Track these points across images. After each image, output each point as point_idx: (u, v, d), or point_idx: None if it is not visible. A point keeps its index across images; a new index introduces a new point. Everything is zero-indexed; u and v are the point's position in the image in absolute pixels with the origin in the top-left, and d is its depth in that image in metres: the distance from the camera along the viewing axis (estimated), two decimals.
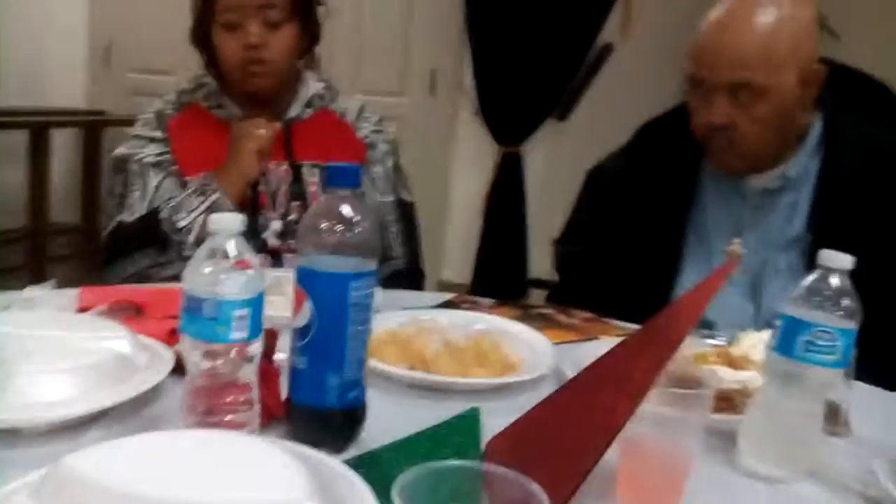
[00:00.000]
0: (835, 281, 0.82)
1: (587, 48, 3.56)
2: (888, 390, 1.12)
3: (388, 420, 0.87)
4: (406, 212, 1.66)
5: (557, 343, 1.16)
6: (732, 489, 0.83)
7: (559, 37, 3.44)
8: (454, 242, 3.93)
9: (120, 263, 1.46)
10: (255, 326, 0.76)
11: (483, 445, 0.83)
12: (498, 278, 3.65)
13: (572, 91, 3.67)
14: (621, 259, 1.49)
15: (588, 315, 1.37)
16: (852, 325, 0.81)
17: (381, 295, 1.26)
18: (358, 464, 0.72)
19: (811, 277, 0.83)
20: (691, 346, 1.10)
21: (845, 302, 0.81)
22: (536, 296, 2.39)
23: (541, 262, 3.17)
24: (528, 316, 1.33)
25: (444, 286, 3.91)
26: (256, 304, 0.76)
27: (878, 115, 1.39)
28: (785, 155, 1.38)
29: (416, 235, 1.70)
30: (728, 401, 0.96)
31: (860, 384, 1.06)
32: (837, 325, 0.80)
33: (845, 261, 0.82)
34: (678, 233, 1.46)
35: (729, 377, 0.97)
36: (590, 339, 1.23)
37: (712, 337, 1.17)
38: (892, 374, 1.20)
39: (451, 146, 3.88)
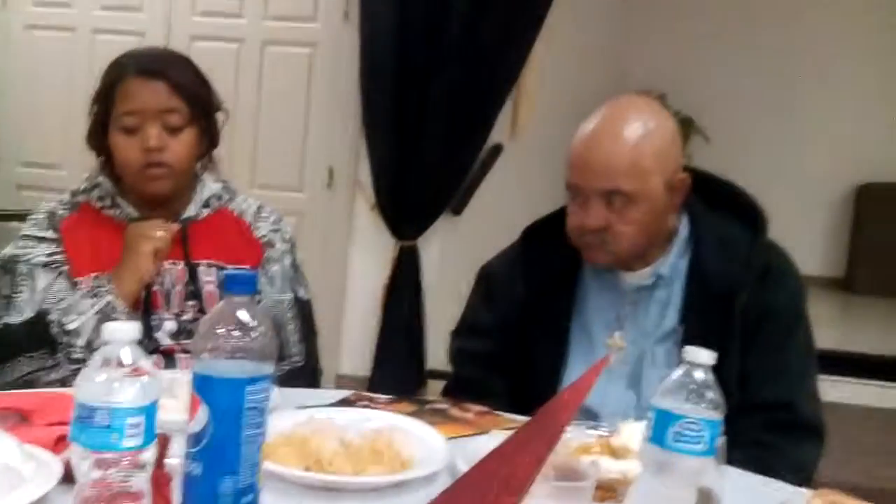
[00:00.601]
0: (699, 375, 0.89)
1: (479, 147, 3.73)
2: (756, 473, 1.20)
3: None
4: (303, 309, 1.68)
5: (451, 438, 1.20)
6: None
7: (452, 136, 3.59)
8: (352, 336, 3.94)
9: (6, 368, 1.41)
10: (149, 433, 0.77)
11: None
12: (397, 371, 3.67)
13: (466, 188, 3.81)
14: (512, 354, 1.55)
15: (481, 409, 1.41)
16: (717, 416, 0.89)
17: (277, 394, 1.28)
18: None
19: (678, 372, 0.90)
20: (575, 438, 1.15)
21: (709, 395, 0.89)
22: (435, 386, 2.42)
23: (439, 353, 3.22)
24: (423, 412, 1.36)
25: (342, 380, 3.88)
26: (151, 410, 0.77)
27: (736, 215, 1.52)
28: (656, 254, 1.49)
29: (313, 333, 1.72)
30: (610, 490, 1.01)
31: (731, 468, 1.14)
32: (703, 417, 0.87)
33: (708, 357, 0.89)
34: (563, 327, 1.54)
35: (610, 467, 1.03)
36: (482, 433, 1.27)
37: (595, 427, 1.23)
38: (758, 458, 1.30)
39: (349, 240, 3.93)
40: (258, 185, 3.95)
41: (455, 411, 1.40)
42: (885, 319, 5.19)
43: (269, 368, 0.82)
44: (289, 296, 1.65)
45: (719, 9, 6.02)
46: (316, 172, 3.94)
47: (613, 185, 1.39)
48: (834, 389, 3.71)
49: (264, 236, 1.65)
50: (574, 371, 1.54)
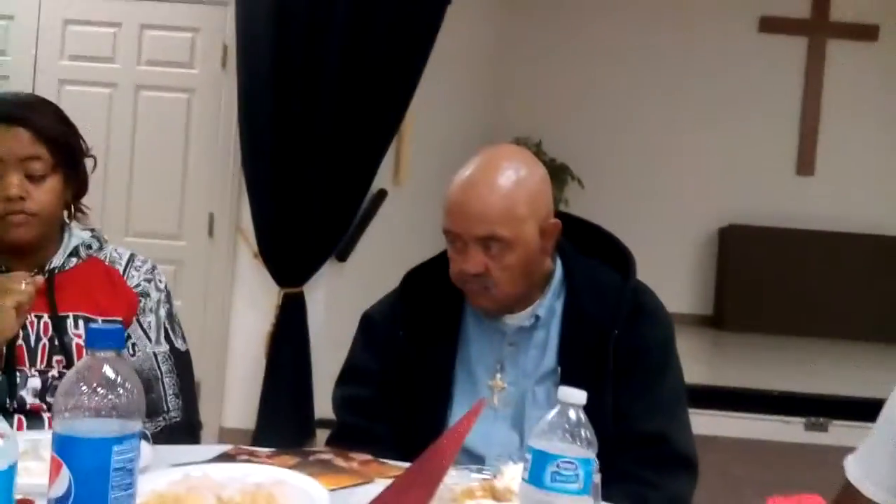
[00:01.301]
0: (572, 414, 0.92)
1: (363, 194, 3.74)
2: None
3: None
4: (180, 361, 1.63)
5: (333, 489, 1.18)
6: None
7: (335, 183, 3.60)
8: (236, 387, 3.83)
9: None
10: (7, 499, 0.72)
11: None
12: (284, 422, 3.58)
13: (351, 234, 3.81)
14: (395, 399, 1.55)
15: (366, 457, 1.40)
16: (591, 455, 0.91)
17: (150, 451, 1.22)
18: None
19: (552, 412, 0.93)
20: (460, 482, 1.16)
21: (583, 433, 0.91)
22: (324, 436, 2.38)
23: (327, 402, 3.16)
24: (306, 463, 1.33)
25: (226, 434, 3.75)
26: (8, 475, 0.73)
27: (605, 258, 1.59)
28: (533, 296, 1.53)
29: (191, 386, 1.66)
30: None
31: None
32: (578, 455, 0.90)
33: (580, 397, 0.92)
34: (447, 371, 1.55)
35: None
36: (367, 483, 1.25)
37: (479, 471, 1.24)
38: (635, 493, 1.34)
39: (232, 289, 3.85)
40: (134, 234, 3.83)
41: (339, 461, 1.37)
42: (751, 354, 5.49)
43: (136, 426, 0.79)
44: (164, 347, 1.59)
45: (593, 59, 6.34)
46: (196, 220, 3.85)
47: (490, 231, 1.42)
48: (705, 423, 3.89)
49: (138, 286, 1.59)
50: (459, 414, 1.54)
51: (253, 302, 3.80)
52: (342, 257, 3.85)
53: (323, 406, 3.52)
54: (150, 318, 1.59)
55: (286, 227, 3.59)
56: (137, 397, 0.80)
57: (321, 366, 3.64)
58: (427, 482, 0.77)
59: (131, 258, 1.62)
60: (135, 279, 1.59)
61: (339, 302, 3.78)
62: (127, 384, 0.79)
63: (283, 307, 3.67)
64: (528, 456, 0.92)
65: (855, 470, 1.17)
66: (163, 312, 1.61)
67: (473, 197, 1.44)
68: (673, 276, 5.84)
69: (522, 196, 1.44)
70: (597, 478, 1.05)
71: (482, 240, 1.43)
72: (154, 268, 1.63)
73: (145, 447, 1.22)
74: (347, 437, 1.55)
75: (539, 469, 0.90)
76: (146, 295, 1.59)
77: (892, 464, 1.12)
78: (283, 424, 3.52)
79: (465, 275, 1.46)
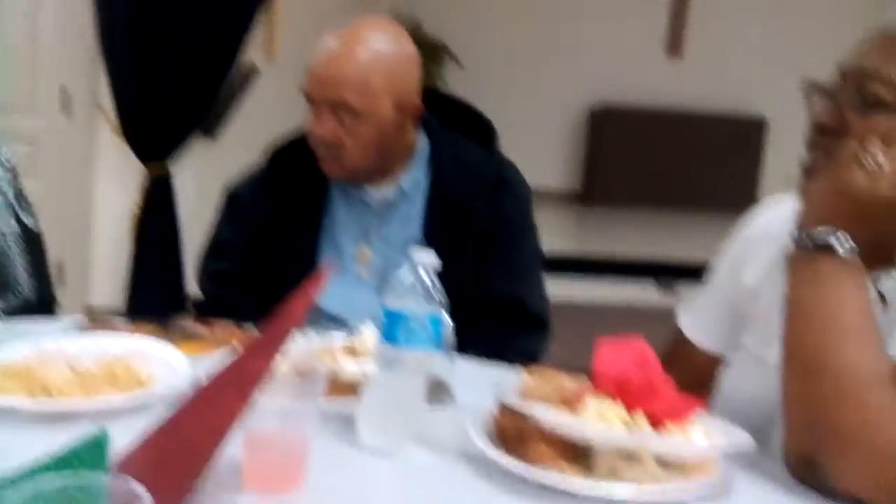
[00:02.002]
0: (423, 275, 0.96)
1: (228, 67, 3.58)
2: (489, 362, 1.32)
3: (10, 455, 0.84)
4: (31, 239, 1.56)
5: (193, 356, 1.19)
6: (353, 464, 0.93)
7: (197, 56, 3.42)
8: (102, 268, 3.71)
9: None
10: None
11: (112, 465, 0.84)
12: (154, 301, 3.52)
13: (219, 110, 3.67)
14: (259, 273, 1.56)
15: (226, 324, 1.41)
16: (440, 312, 0.96)
17: (0, 327, 1.20)
18: None
19: (404, 274, 0.96)
20: (320, 343, 1.20)
21: (434, 293, 0.96)
22: None
23: None
24: (165, 332, 1.33)
25: (93, 314, 3.66)
26: None
27: (469, 133, 1.62)
28: (396, 168, 1.55)
29: (43, 263, 1.60)
30: (352, 388, 1.07)
31: (462, 360, 1.24)
32: (428, 313, 0.94)
33: (431, 257, 0.96)
34: (312, 243, 1.57)
35: (350, 367, 1.08)
36: (226, 348, 1.27)
37: (340, 332, 1.28)
38: (490, 349, 1.42)
39: (92, 166, 3.66)
40: None
41: (199, 329, 1.38)
42: (614, 227, 5.77)
43: None
44: (14, 227, 1.52)
45: None
46: (49, 95, 3.59)
47: (339, 97, 1.43)
48: (571, 290, 4.12)
49: None
50: (325, 285, 1.57)
51: (116, 181, 3.64)
52: (213, 135, 3.72)
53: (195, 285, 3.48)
54: None
55: (147, 104, 3.41)
56: None
57: (194, 246, 3.57)
58: (275, 341, 0.79)
59: None
60: None
61: (210, 182, 3.66)
62: None
63: (150, 186, 3.54)
64: (383, 316, 0.96)
65: (685, 319, 1.29)
66: (10, 192, 1.53)
67: (331, 63, 1.43)
68: (545, 153, 5.98)
69: (380, 70, 1.44)
70: (448, 334, 1.11)
71: (333, 106, 1.44)
72: None
73: None
74: (212, 310, 1.55)
75: (392, 327, 0.94)
76: None
77: (716, 313, 1.24)
78: (153, 304, 3.46)
79: (316, 138, 1.47)
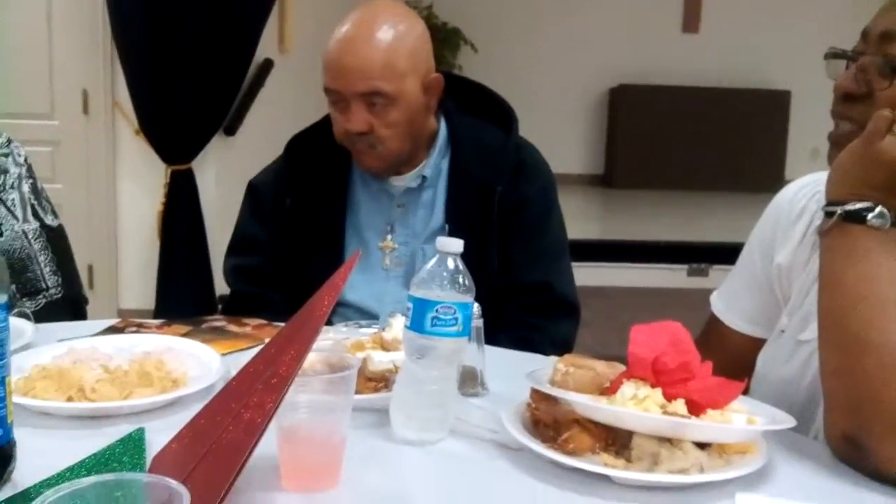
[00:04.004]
0: (450, 263, 0.95)
1: (246, 63, 3.59)
2: (521, 351, 1.31)
3: (47, 457, 0.85)
4: (53, 237, 1.57)
5: (226, 353, 1.19)
6: (388, 456, 0.93)
7: (214, 53, 3.43)
8: (131, 268, 3.75)
9: None
10: None
11: (149, 463, 0.84)
12: (184, 300, 3.55)
13: (237, 106, 3.68)
14: (285, 266, 1.55)
15: (259, 322, 1.41)
16: (468, 299, 0.95)
17: (32, 329, 1.20)
18: None
19: (431, 262, 0.95)
20: (351, 337, 1.19)
21: (461, 280, 0.95)
22: None
23: None
24: (197, 331, 1.34)
25: (125, 315, 3.70)
26: None
27: (488, 116, 1.60)
28: (419, 157, 1.54)
29: (68, 260, 1.61)
30: (384, 380, 1.06)
31: (494, 348, 1.23)
32: (456, 300, 0.93)
33: (457, 245, 0.95)
34: (337, 235, 1.56)
35: (381, 358, 1.08)
36: (259, 346, 1.27)
37: (370, 326, 1.28)
38: (521, 338, 1.41)
39: (115, 168, 3.69)
40: (1, 115, 3.57)
41: (232, 327, 1.39)
42: (639, 209, 5.72)
43: (1, 298, 0.77)
44: (34, 225, 1.53)
45: None
46: (69, 98, 3.62)
47: (371, 87, 1.41)
48: (597, 275, 4.09)
49: None
50: (352, 277, 1.55)
51: (139, 181, 3.67)
52: (230, 131, 3.73)
53: (223, 281, 3.50)
54: (12, 195, 1.51)
55: (166, 102, 3.43)
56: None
57: (217, 242, 3.59)
58: (306, 333, 0.79)
59: None
60: None
61: (230, 177, 3.69)
62: None
63: (172, 185, 3.56)
64: (410, 304, 0.95)
65: (719, 303, 1.26)
66: (26, 188, 1.54)
67: (352, 53, 1.41)
68: (565, 138, 5.94)
69: (402, 50, 1.42)
70: (478, 322, 1.10)
71: (364, 96, 1.42)
72: (10, 141, 1.54)
73: (26, 325, 1.20)
74: (241, 305, 1.56)
75: (420, 316, 0.93)
76: (4, 171, 1.51)
77: (750, 295, 1.22)
78: (183, 302, 3.49)
79: (350, 134, 1.45)
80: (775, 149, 5.98)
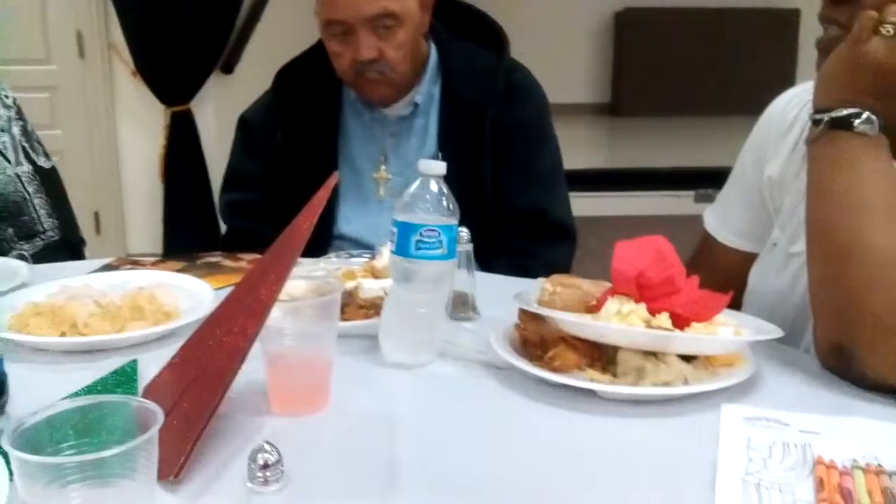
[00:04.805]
0: (433, 186, 0.94)
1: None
2: (516, 276, 1.31)
3: (42, 391, 0.86)
4: (47, 179, 1.56)
5: (220, 288, 1.19)
6: (377, 380, 0.93)
7: None
8: (136, 212, 3.76)
9: None
10: None
11: (141, 392, 0.86)
12: (190, 240, 3.57)
13: (234, 43, 3.62)
14: (280, 200, 1.55)
15: (255, 256, 1.41)
16: (453, 222, 0.94)
17: (27, 269, 1.21)
18: None
19: (414, 185, 0.94)
20: (342, 266, 1.20)
21: (444, 202, 0.94)
22: None
23: None
24: (192, 267, 1.34)
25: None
26: None
27: (479, 39, 1.57)
28: (412, 83, 1.51)
29: (64, 202, 1.61)
30: (374, 307, 1.07)
31: (488, 275, 1.23)
32: (439, 223, 0.92)
33: (439, 167, 0.94)
34: (330, 167, 1.55)
35: (371, 286, 1.08)
36: None
37: (360, 255, 1.28)
38: (516, 263, 1.41)
39: (114, 112, 3.67)
40: None
41: (227, 262, 1.39)
42: (645, 137, 5.64)
43: None
44: (27, 167, 1.53)
45: None
46: (63, 41, 3.58)
47: (381, 8, 1.38)
48: (604, 204, 4.07)
49: None
50: (347, 209, 1.57)
51: (138, 124, 3.65)
52: (228, 69, 3.68)
53: None
54: (3, 138, 1.50)
55: (161, 41, 3.38)
56: None
57: (220, 181, 3.58)
58: (282, 263, 0.79)
59: None
60: None
61: (229, 116, 3.64)
62: None
63: (172, 127, 3.54)
64: (394, 229, 0.94)
65: (711, 219, 1.25)
66: (16, 130, 1.53)
67: None
68: (570, 66, 5.82)
69: None
70: (467, 247, 1.10)
71: (372, 20, 1.39)
72: None
73: (21, 265, 1.21)
74: (236, 240, 1.56)
75: (404, 239, 0.93)
76: None
77: (742, 209, 1.20)
78: (189, 242, 3.51)
79: (360, 63, 1.42)
80: (785, 70, 5.84)
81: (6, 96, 1.52)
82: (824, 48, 0.93)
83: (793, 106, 1.12)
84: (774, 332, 0.89)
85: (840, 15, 0.91)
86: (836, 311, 0.86)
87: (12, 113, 1.52)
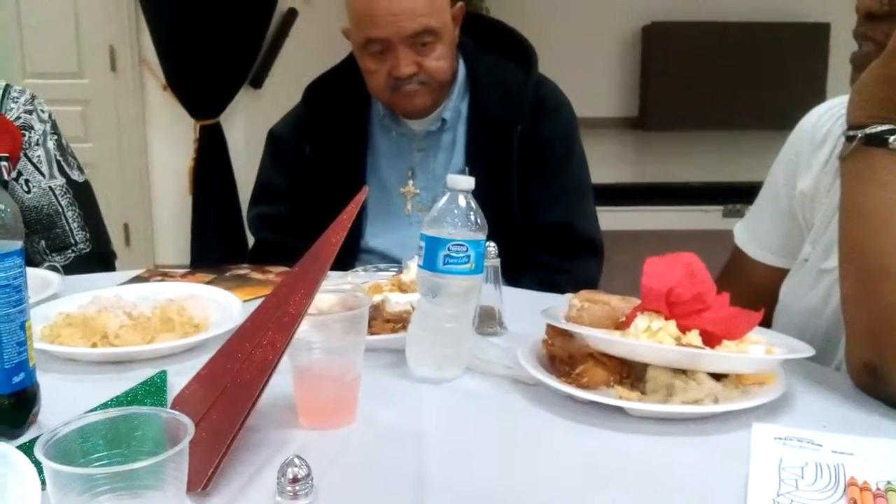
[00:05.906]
0: (461, 201, 0.94)
1: (269, 13, 3.57)
2: (545, 292, 1.31)
3: (73, 400, 0.87)
4: (80, 192, 1.59)
5: (248, 300, 1.21)
6: (404, 394, 0.93)
7: (238, 3, 3.41)
8: (166, 225, 3.80)
9: None
10: None
11: (170, 403, 0.86)
12: (219, 253, 3.60)
13: (263, 58, 3.67)
14: (308, 214, 1.56)
15: (283, 269, 1.42)
16: (481, 237, 0.94)
17: (59, 280, 1.23)
18: (31, 446, 0.72)
19: (442, 200, 0.95)
20: (370, 280, 1.20)
21: (472, 217, 0.94)
22: None
23: None
24: (221, 279, 1.35)
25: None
26: None
27: (507, 54, 1.58)
28: (441, 98, 1.52)
29: (96, 215, 1.63)
30: (401, 321, 1.07)
31: (513, 289, 1.23)
32: (467, 238, 0.92)
33: (467, 182, 0.94)
34: (358, 182, 1.56)
35: (398, 300, 1.08)
36: None
37: (387, 269, 1.28)
38: (544, 279, 1.41)
39: (144, 126, 3.72)
40: (31, 75, 3.62)
41: (255, 275, 1.40)
42: (673, 151, 5.62)
43: (16, 244, 0.78)
44: (60, 181, 1.55)
45: None
46: (96, 55, 3.64)
47: (419, 25, 1.40)
48: (631, 219, 4.05)
49: (18, 118, 1.52)
50: (374, 223, 1.57)
51: (169, 138, 3.69)
52: (257, 84, 3.72)
53: None
54: (38, 152, 1.53)
55: (193, 57, 3.43)
56: (13, 216, 0.78)
57: (248, 195, 3.60)
58: (314, 272, 0.79)
59: (6, 90, 1.53)
60: (14, 112, 1.52)
61: (258, 130, 3.68)
62: (0, 204, 0.77)
63: (202, 140, 3.58)
64: (422, 244, 0.94)
65: (742, 234, 1.24)
66: (51, 144, 1.55)
67: None
68: (598, 80, 5.81)
69: None
70: (495, 262, 1.10)
71: (412, 38, 1.41)
72: (34, 97, 1.55)
73: (53, 276, 1.23)
74: (264, 253, 1.58)
75: (432, 254, 0.93)
76: (29, 128, 1.52)
77: (773, 224, 1.19)
78: (217, 255, 3.54)
79: (399, 79, 1.44)
80: (815, 85, 5.79)
81: (42, 111, 1.55)
82: (859, 64, 0.92)
83: (825, 120, 1.10)
84: (806, 350, 0.88)
85: (875, 31, 0.90)
86: (868, 330, 0.85)
87: (47, 127, 1.55)
